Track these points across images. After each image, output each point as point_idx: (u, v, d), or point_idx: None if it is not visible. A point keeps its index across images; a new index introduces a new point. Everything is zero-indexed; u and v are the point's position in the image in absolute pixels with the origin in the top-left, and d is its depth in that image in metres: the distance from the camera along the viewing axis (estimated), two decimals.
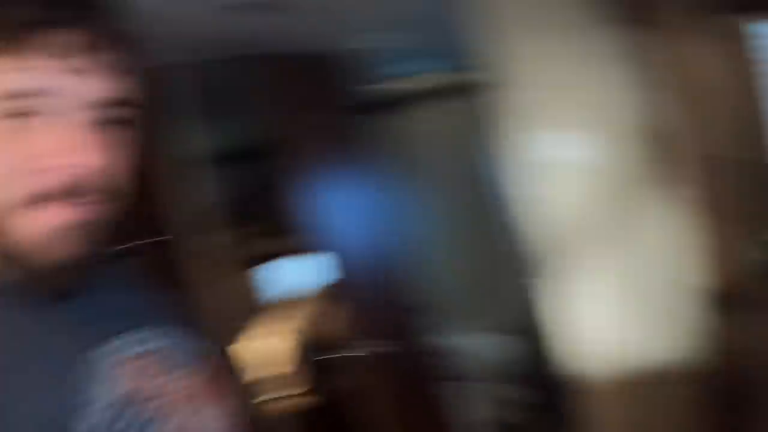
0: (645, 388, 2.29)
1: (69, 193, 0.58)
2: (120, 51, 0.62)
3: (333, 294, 3.33)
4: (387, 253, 3.32)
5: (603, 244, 2.35)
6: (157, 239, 2.34)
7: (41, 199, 0.58)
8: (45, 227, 0.59)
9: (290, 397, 3.34)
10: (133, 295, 0.77)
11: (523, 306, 3.14)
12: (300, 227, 3.15)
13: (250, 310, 3.70)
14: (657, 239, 2.30)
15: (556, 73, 2.39)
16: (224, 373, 0.82)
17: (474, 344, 3.76)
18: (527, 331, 3.33)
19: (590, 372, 2.31)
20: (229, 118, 3.61)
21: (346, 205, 3.25)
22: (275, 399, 3.31)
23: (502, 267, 3.78)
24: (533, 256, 2.40)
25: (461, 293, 3.94)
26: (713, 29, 2.14)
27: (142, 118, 0.67)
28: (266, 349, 3.43)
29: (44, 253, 0.59)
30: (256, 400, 3.09)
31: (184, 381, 0.71)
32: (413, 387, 3.22)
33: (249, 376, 3.04)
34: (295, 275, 3.85)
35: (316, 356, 3.36)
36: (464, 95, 3.66)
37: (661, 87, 2.22)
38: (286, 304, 3.77)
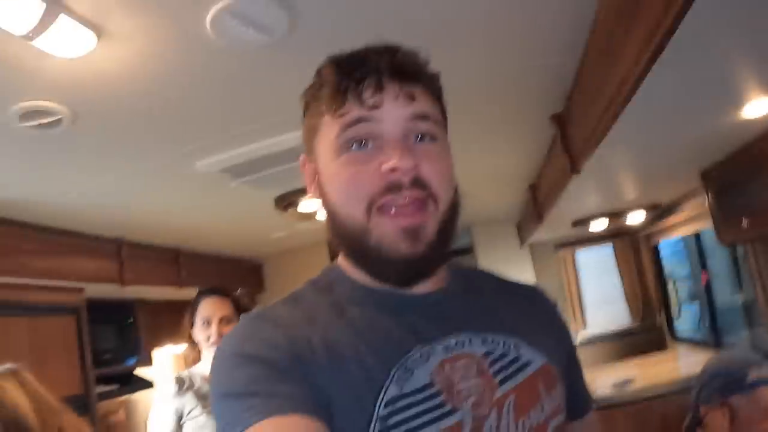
0: None
1: (396, 188, 0.80)
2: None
3: None
4: None
5: None
6: None
7: (382, 195, 0.80)
8: (394, 225, 0.80)
9: None
10: (483, 301, 0.95)
11: None
12: None
13: None
14: None
15: None
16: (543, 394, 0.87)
17: None
18: None
19: None
20: None
21: None
22: None
23: None
24: None
25: None
26: None
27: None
28: None
29: (392, 244, 0.81)
30: None
31: (497, 389, 0.82)
32: None
33: None
34: None
35: None
36: None
37: None
38: None
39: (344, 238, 0.86)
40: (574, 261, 6.42)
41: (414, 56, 0.86)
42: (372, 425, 0.74)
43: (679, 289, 5.86)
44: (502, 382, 0.83)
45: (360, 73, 0.81)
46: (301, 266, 5.78)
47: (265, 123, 2.54)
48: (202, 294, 2.63)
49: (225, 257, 5.47)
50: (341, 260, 0.94)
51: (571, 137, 2.83)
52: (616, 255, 6.29)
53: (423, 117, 0.84)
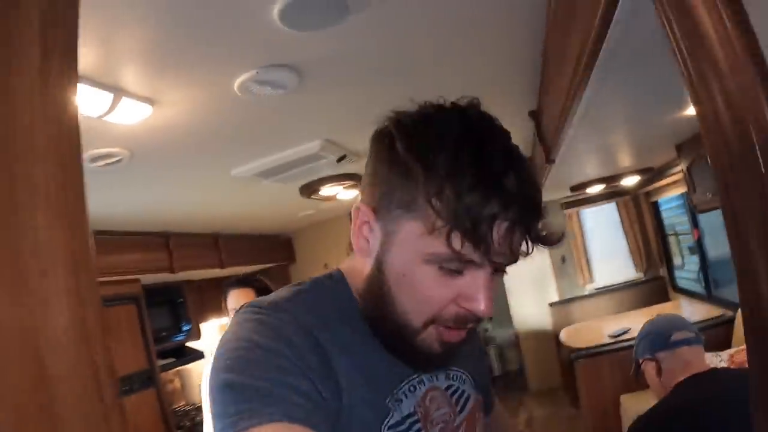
0: None
1: (463, 323, 0.82)
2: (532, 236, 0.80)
3: None
4: None
5: None
6: None
7: (447, 322, 0.82)
8: (440, 338, 0.83)
9: None
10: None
11: None
12: None
13: None
14: None
15: None
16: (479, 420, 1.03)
17: None
18: None
19: None
20: None
21: None
22: None
23: None
24: None
25: None
26: None
27: None
28: None
29: (429, 348, 0.84)
30: None
31: (457, 417, 0.95)
32: None
33: None
34: None
35: None
36: None
37: None
38: None
39: (387, 322, 0.84)
40: (579, 219, 6.82)
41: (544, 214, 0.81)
42: None
43: (681, 242, 6.19)
44: (459, 411, 0.95)
45: (500, 214, 0.74)
46: (326, 237, 6.35)
47: (282, 141, 3.03)
48: (228, 287, 2.97)
49: (258, 235, 6.03)
50: (351, 279, 0.92)
51: (544, 131, 3.23)
52: (619, 212, 6.67)
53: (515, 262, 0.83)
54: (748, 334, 0.86)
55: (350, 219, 0.89)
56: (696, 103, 0.95)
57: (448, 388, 0.95)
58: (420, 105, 0.85)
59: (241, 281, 2.97)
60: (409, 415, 0.86)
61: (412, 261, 0.80)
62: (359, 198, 0.89)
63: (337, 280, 0.93)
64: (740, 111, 0.84)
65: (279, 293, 0.88)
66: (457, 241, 0.74)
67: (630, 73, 1.97)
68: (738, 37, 0.81)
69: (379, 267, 0.84)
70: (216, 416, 0.73)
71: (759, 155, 0.82)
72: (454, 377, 0.97)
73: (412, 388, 0.88)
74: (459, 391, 0.97)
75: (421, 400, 0.88)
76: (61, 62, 0.54)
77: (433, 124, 0.80)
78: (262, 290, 2.94)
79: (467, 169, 0.73)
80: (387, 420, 0.83)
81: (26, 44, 0.50)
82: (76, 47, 0.57)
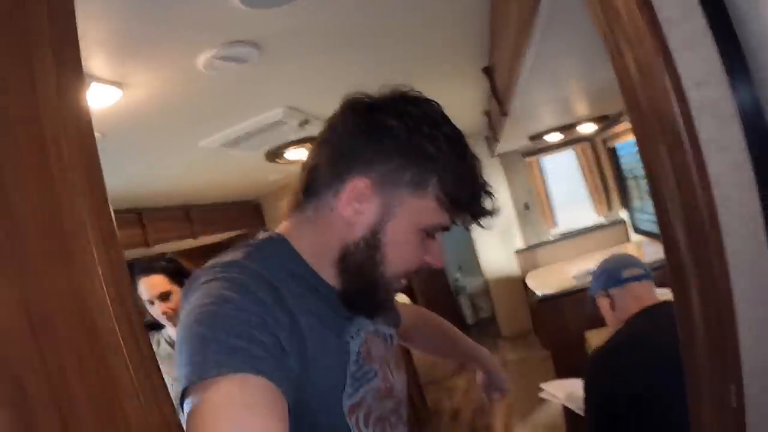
0: None
1: (423, 272, 1.03)
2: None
3: None
4: None
5: None
6: None
7: (409, 272, 1.01)
8: (401, 285, 1.04)
9: None
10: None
11: None
12: None
13: None
14: None
15: None
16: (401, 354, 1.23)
17: None
18: None
19: None
20: None
21: None
22: None
23: None
24: None
25: None
26: None
27: None
28: None
29: (391, 295, 1.06)
30: None
31: (390, 352, 1.13)
32: None
33: None
34: None
35: None
36: None
37: None
38: None
39: (370, 279, 0.98)
40: (540, 167, 7.01)
41: None
42: (348, 379, 0.95)
43: (640, 185, 6.39)
44: (387, 350, 1.12)
45: (483, 205, 1.00)
46: None
47: (246, 111, 3.14)
48: (135, 275, 2.59)
49: (228, 203, 6.13)
50: (294, 239, 1.01)
51: (497, 86, 3.33)
52: (578, 159, 6.87)
53: None
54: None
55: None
56: (615, 68, 1.09)
57: (375, 332, 1.08)
58: (392, 90, 1.00)
59: (151, 267, 2.63)
60: (358, 354, 0.99)
61: (409, 230, 0.96)
62: (326, 163, 1.01)
63: (279, 241, 1.00)
64: (647, 75, 0.99)
65: (226, 256, 0.94)
66: (458, 217, 0.98)
67: (573, 32, 2.08)
68: (641, 11, 0.95)
69: (374, 234, 0.96)
70: (182, 365, 0.75)
71: (659, 117, 0.97)
72: (377, 321, 1.11)
73: (356, 332, 1.01)
74: (382, 333, 1.12)
75: (363, 342, 1.01)
76: (72, 75, 0.66)
77: (428, 115, 0.97)
78: (176, 272, 2.64)
79: (468, 162, 0.97)
80: (351, 358, 0.96)
81: (46, 68, 0.62)
82: (80, 61, 0.69)
